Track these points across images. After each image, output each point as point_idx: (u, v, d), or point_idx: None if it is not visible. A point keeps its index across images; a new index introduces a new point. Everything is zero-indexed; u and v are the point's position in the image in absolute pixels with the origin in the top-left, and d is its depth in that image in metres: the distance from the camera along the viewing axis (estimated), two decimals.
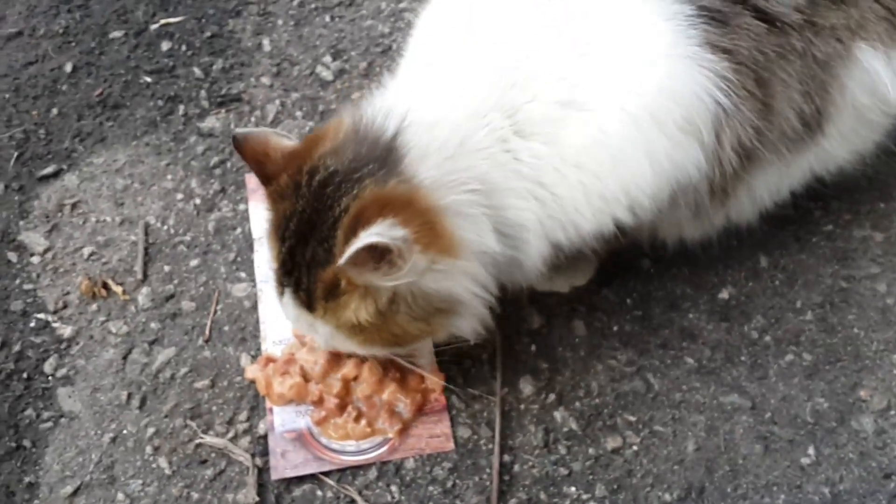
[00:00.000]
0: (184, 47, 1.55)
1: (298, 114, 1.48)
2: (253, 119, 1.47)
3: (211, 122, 1.47)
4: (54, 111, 1.48)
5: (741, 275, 1.33)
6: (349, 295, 1.01)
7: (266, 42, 1.57)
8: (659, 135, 1.04)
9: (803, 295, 1.31)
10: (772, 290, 1.32)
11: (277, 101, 1.50)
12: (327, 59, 1.55)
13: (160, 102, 1.49)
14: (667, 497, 1.15)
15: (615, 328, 1.29)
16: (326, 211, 0.99)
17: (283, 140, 1.08)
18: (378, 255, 0.95)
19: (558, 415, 1.22)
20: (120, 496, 1.15)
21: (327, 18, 1.61)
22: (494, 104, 1.02)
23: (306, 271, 1.02)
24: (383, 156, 1.00)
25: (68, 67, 1.52)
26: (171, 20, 1.58)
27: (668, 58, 1.04)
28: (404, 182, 0.99)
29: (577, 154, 1.03)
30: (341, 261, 0.95)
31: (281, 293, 1.07)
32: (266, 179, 1.06)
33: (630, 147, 1.03)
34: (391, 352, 1.14)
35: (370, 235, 0.93)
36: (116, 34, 1.56)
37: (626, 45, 1.04)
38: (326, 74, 1.53)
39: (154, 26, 1.57)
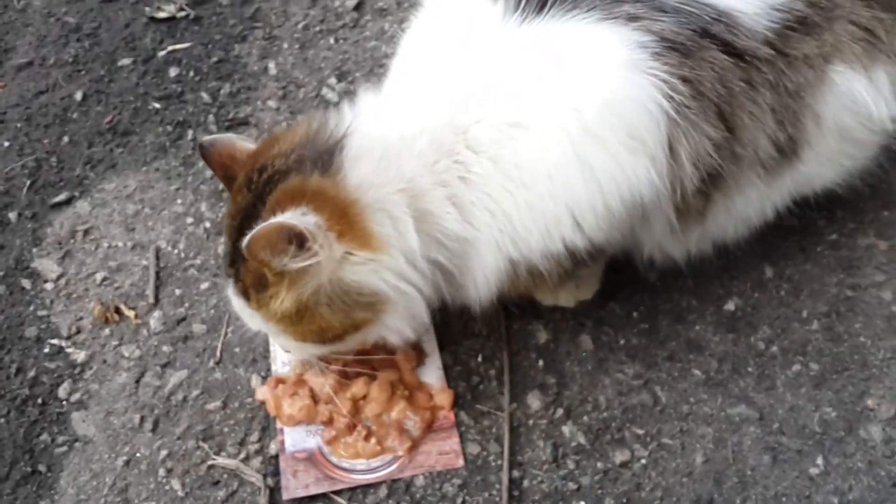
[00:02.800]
0: (191, 73, 1.58)
1: None
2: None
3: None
4: (65, 139, 1.50)
5: (747, 286, 1.34)
6: (275, 286, 1.05)
7: (272, 65, 1.59)
8: (600, 153, 1.03)
9: (809, 304, 1.31)
10: (777, 301, 1.32)
11: (284, 124, 1.52)
12: (332, 80, 1.57)
13: (169, 128, 1.51)
14: None
15: (622, 342, 1.30)
16: (261, 206, 1.04)
17: (248, 144, 1.14)
18: (296, 241, 0.99)
19: (566, 429, 1.22)
20: None
21: (331, 41, 1.63)
22: (447, 121, 1.05)
23: (241, 262, 1.06)
24: (321, 157, 1.05)
25: (78, 96, 1.55)
26: (179, 46, 1.61)
27: (616, 75, 1.04)
28: (325, 176, 1.03)
29: (521, 173, 1.04)
30: (244, 241, 0.98)
31: (227, 285, 1.12)
32: (232, 181, 1.10)
33: (569, 166, 1.03)
34: (327, 350, 1.16)
35: (279, 218, 0.98)
36: (125, 62, 1.59)
37: (578, 67, 1.05)
38: (332, 96, 1.55)
39: (162, 53, 1.60)
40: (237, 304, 1.11)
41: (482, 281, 1.11)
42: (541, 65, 1.05)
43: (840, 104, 1.14)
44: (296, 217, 0.99)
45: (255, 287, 1.07)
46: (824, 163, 1.21)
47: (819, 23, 1.11)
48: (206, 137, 1.13)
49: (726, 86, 1.07)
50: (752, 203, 1.20)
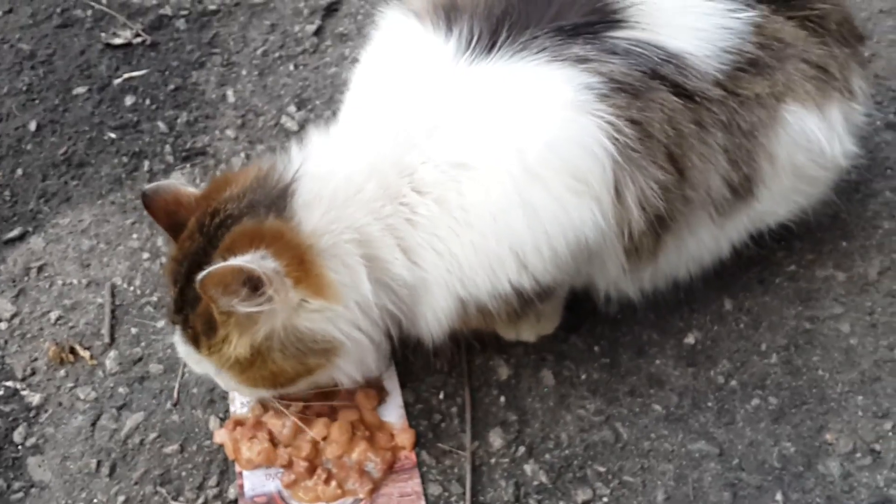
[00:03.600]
0: (148, 101, 1.55)
1: None
2: (218, 172, 1.47)
3: (176, 178, 1.47)
4: (19, 171, 1.47)
5: (706, 318, 1.34)
6: (226, 330, 1.04)
7: (230, 93, 1.57)
8: (543, 194, 1.03)
9: (768, 337, 1.32)
10: (737, 334, 1.33)
11: (242, 154, 1.50)
12: (292, 108, 1.55)
13: (125, 159, 1.49)
14: None
15: (583, 376, 1.30)
16: (212, 251, 1.02)
17: (190, 188, 1.12)
18: (249, 284, 0.98)
19: (528, 468, 1.22)
20: None
21: (291, 67, 1.62)
22: (393, 162, 1.05)
23: (191, 308, 1.05)
24: (274, 203, 1.04)
25: (32, 126, 1.52)
26: (135, 74, 1.58)
27: (560, 116, 1.03)
28: (280, 220, 1.03)
29: (466, 214, 1.04)
30: (200, 276, 0.97)
31: (173, 332, 1.11)
32: (178, 228, 1.09)
33: (512, 207, 1.03)
34: (276, 392, 1.16)
35: (238, 261, 0.97)
36: (80, 90, 1.56)
37: (523, 107, 1.04)
38: (291, 125, 1.53)
39: (118, 80, 1.57)
40: (184, 350, 1.11)
41: (433, 320, 1.11)
42: (487, 105, 1.05)
43: (793, 142, 1.15)
44: (255, 261, 0.98)
45: (205, 331, 1.06)
46: (778, 200, 1.22)
47: (770, 63, 1.11)
48: (148, 186, 1.11)
49: (675, 127, 1.07)
50: (704, 243, 1.21)
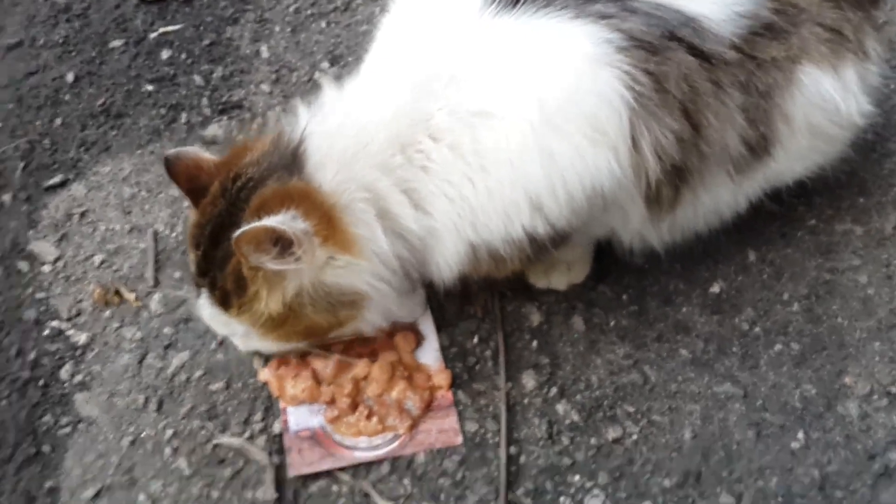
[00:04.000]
0: (183, 55, 1.58)
1: None
2: (255, 126, 1.51)
3: (213, 130, 1.50)
4: (58, 121, 1.50)
5: (731, 269, 1.39)
6: (255, 286, 1.08)
7: (264, 49, 1.61)
8: (560, 142, 1.06)
9: (790, 287, 1.37)
10: (760, 284, 1.38)
11: (278, 108, 1.53)
12: (325, 64, 1.59)
13: (163, 111, 1.52)
14: (666, 483, 1.21)
15: (612, 323, 1.34)
16: (237, 213, 1.06)
17: (211, 156, 1.15)
18: (281, 245, 1.02)
19: (560, 407, 1.27)
20: (141, 497, 1.19)
21: (323, 24, 1.65)
22: (409, 110, 1.08)
23: (219, 269, 1.09)
24: (288, 164, 1.08)
25: (70, 77, 1.55)
26: (170, 28, 1.61)
27: (579, 68, 1.06)
28: (303, 180, 1.06)
29: (481, 160, 1.07)
30: (237, 233, 1.01)
31: (197, 295, 1.14)
32: (199, 193, 1.12)
33: (530, 154, 1.06)
34: (308, 345, 1.21)
35: (272, 221, 1.01)
36: (116, 43, 1.59)
37: (543, 59, 1.07)
38: (341, 80, 1.57)
39: (153, 35, 1.60)
40: (210, 313, 1.14)
41: (444, 266, 1.15)
42: (508, 56, 1.08)
43: (809, 102, 1.18)
44: (286, 221, 1.02)
45: (235, 290, 1.10)
46: (795, 158, 1.26)
47: (785, 27, 1.15)
48: (170, 151, 1.14)
49: (691, 84, 1.10)
50: (722, 198, 1.25)
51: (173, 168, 1.14)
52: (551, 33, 1.08)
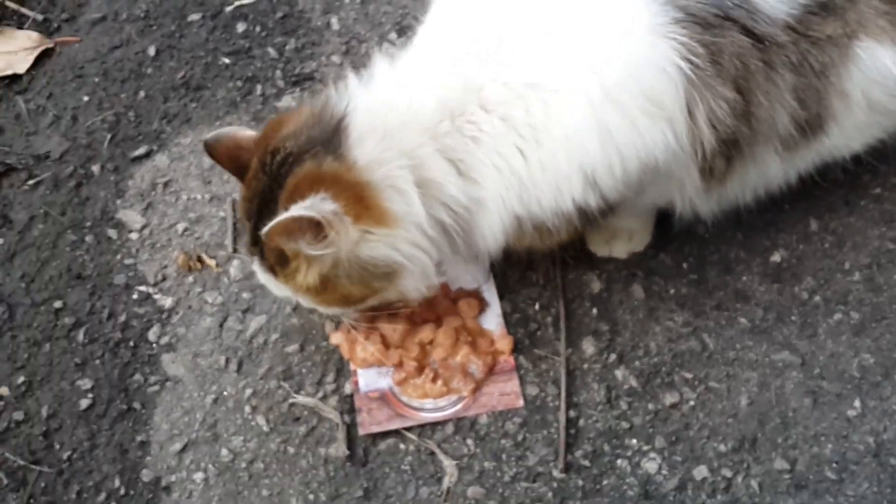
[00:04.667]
0: (258, 28, 1.64)
1: None
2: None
3: (287, 101, 1.56)
4: (141, 94, 1.58)
5: (792, 238, 1.40)
6: (296, 262, 1.13)
7: (334, 21, 1.65)
8: (617, 116, 1.07)
9: (851, 256, 1.38)
10: (821, 253, 1.39)
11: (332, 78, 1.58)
12: (393, 35, 1.63)
13: (239, 83, 1.58)
14: (721, 448, 1.25)
15: (672, 291, 1.37)
16: (278, 189, 1.10)
17: (249, 132, 1.18)
18: (314, 226, 1.06)
19: (619, 373, 1.31)
20: (224, 451, 1.28)
21: None
22: (460, 81, 1.09)
23: (263, 241, 1.12)
24: (329, 139, 1.09)
25: (151, 51, 1.62)
26: (245, 2, 1.67)
27: (636, 38, 1.07)
28: (338, 160, 1.08)
29: (534, 132, 1.08)
30: (264, 230, 1.05)
31: (251, 261, 1.20)
32: (243, 170, 1.16)
33: (586, 128, 1.07)
34: (350, 311, 1.25)
35: (298, 209, 1.04)
36: (194, 17, 1.65)
37: (598, 28, 1.08)
38: (393, 51, 1.61)
39: (229, 8, 1.66)
40: (264, 277, 1.20)
41: (489, 236, 1.17)
42: (563, 27, 1.09)
43: (867, 78, 1.17)
44: (314, 206, 1.05)
45: (278, 263, 1.15)
46: (852, 135, 1.25)
47: (841, 4, 1.14)
48: (209, 135, 1.19)
49: (743, 62, 1.10)
50: (771, 172, 1.25)
51: (214, 151, 1.18)
52: (608, 4, 1.09)
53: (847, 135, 1.24)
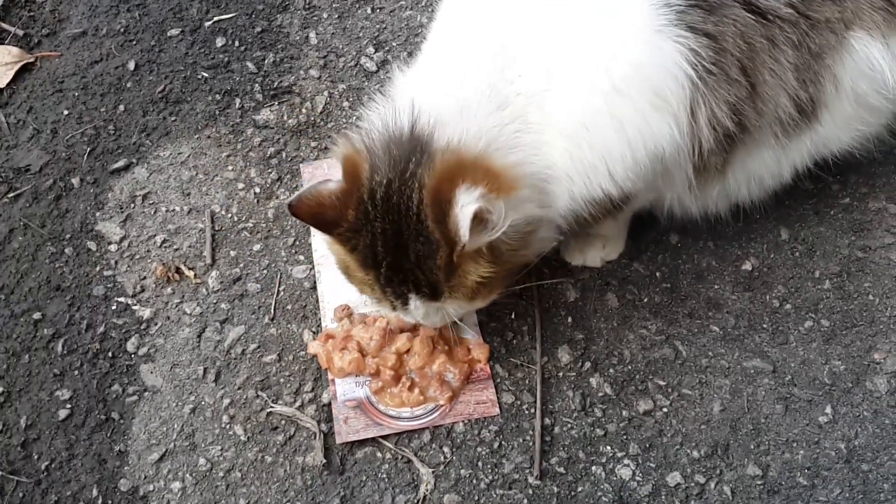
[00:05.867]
0: (237, 42, 1.66)
1: (346, 104, 1.59)
2: (304, 110, 1.58)
3: (266, 115, 1.58)
4: (121, 107, 1.59)
5: (763, 247, 1.43)
6: (463, 265, 1.11)
7: (313, 35, 1.67)
8: (628, 108, 1.11)
9: (822, 265, 1.40)
10: (792, 261, 1.41)
11: (326, 93, 1.60)
12: (370, 50, 1.65)
13: (218, 96, 1.60)
14: (695, 454, 1.27)
15: (645, 300, 1.39)
16: (404, 217, 1.09)
17: (329, 185, 1.14)
18: (476, 217, 1.05)
19: (594, 381, 1.33)
20: (202, 461, 1.28)
21: (368, 10, 1.70)
22: (494, 75, 1.12)
23: (420, 271, 1.11)
24: (413, 147, 1.09)
25: (131, 65, 1.63)
26: (224, 17, 1.69)
27: (642, 35, 1.11)
28: (445, 152, 1.08)
29: (562, 124, 1.12)
30: (464, 240, 1.04)
31: (404, 303, 1.16)
32: (331, 225, 1.14)
33: (603, 120, 1.11)
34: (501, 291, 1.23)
35: (466, 205, 1.03)
36: (174, 32, 1.67)
37: (606, 22, 1.12)
38: (370, 65, 1.63)
39: (208, 23, 1.68)
40: (425, 310, 1.17)
41: (561, 202, 1.18)
42: (572, 18, 1.12)
43: (857, 70, 1.21)
44: (470, 196, 1.04)
45: (446, 278, 1.12)
46: (841, 126, 1.28)
47: None
48: (290, 198, 1.13)
49: (748, 41, 1.14)
50: (767, 164, 1.28)
51: (297, 212, 1.13)
52: (613, 5, 1.12)
53: (837, 126, 1.26)
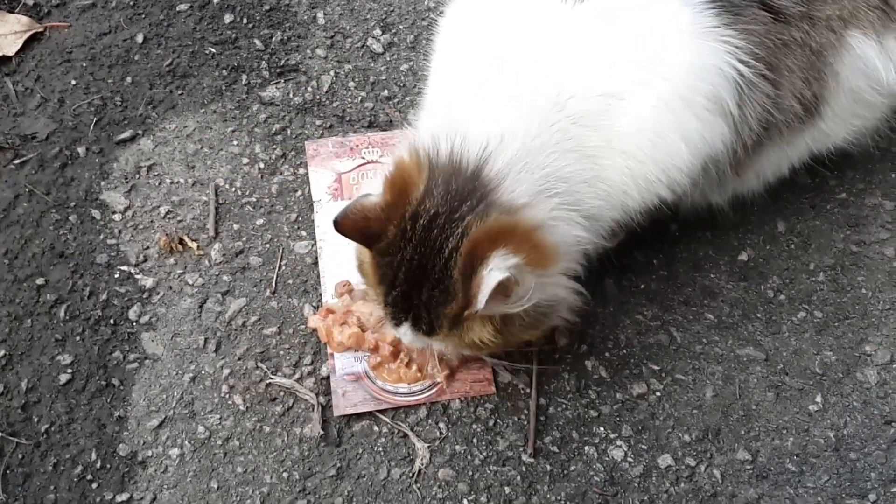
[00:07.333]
0: (245, 20, 1.67)
1: (351, 84, 1.60)
2: (310, 89, 1.59)
3: (272, 92, 1.59)
4: (128, 79, 1.60)
5: (760, 238, 1.45)
6: (470, 323, 1.10)
7: (320, 15, 1.68)
8: (690, 115, 1.13)
9: (816, 258, 1.43)
10: (787, 253, 1.44)
11: (332, 73, 1.61)
12: (377, 31, 1.66)
13: (224, 72, 1.61)
14: (686, 437, 1.29)
15: (642, 286, 1.41)
16: (435, 254, 1.07)
17: (372, 198, 1.11)
18: (500, 287, 1.03)
19: (589, 364, 1.35)
20: (200, 429, 1.30)
21: None
22: (546, 104, 1.10)
23: (425, 310, 1.10)
24: (473, 188, 1.07)
25: (139, 38, 1.64)
26: None
27: (690, 38, 1.13)
28: (504, 212, 1.06)
29: (621, 141, 1.11)
30: (479, 307, 1.03)
31: (397, 325, 1.15)
32: (373, 239, 1.11)
33: (666, 131, 1.12)
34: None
35: (494, 272, 1.01)
36: (182, 7, 1.68)
37: (651, 31, 1.12)
38: (377, 47, 1.64)
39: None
40: (413, 338, 1.16)
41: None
42: (613, 31, 1.12)
43: (855, 67, 1.24)
44: (503, 264, 1.02)
45: (449, 327, 1.11)
46: (839, 122, 1.31)
47: None
48: (336, 215, 1.11)
49: (769, 39, 1.16)
50: (771, 160, 1.31)
51: (344, 228, 1.11)
52: (646, 8, 1.13)
53: (836, 121, 1.29)
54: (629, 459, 1.28)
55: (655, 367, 1.34)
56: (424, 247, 1.07)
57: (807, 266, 1.42)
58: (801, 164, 1.38)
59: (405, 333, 1.16)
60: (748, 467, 1.27)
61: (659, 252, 1.44)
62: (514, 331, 1.12)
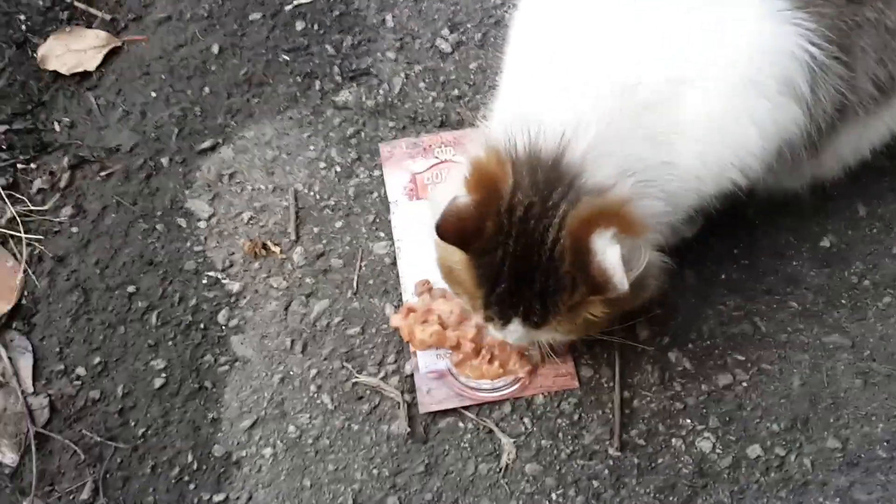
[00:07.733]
0: (316, 26, 1.70)
1: (422, 85, 1.62)
2: (381, 92, 1.61)
3: (344, 96, 1.62)
4: (206, 90, 1.64)
5: (841, 224, 1.43)
6: (586, 305, 1.09)
7: (389, 18, 1.70)
8: (760, 99, 1.12)
9: None
10: (870, 238, 1.42)
11: (402, 74, 1.63)
12: (445, 31, 1.68)
13: (298, 79, 1.64)
14: (775, 427, 1.28)
15: (723, 276, 1.41)
16: (538, 244, 1.07)
17: (462, 199, 1.08)
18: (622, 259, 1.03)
19: (672, 355, 1.35)
20: (291, 428, 1.33)
21: None
22: (617, 91, 1.10)
23: (539, 301, 1.09)
24: (559, 176, 1.07)
25: (215, 49, 1.68)
26: (303, 1, 1.72)
27: (760, 22, 1.11)
28: (595, 195, 1.06)
29: (691, 127, 1.11)
30: (624, 287, 1.02)
31: (504, 323, 1.13)
32: (471, 238, 1.09)
33: (737, 115, 1.11)
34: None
35: (609, 250, 1.02)
36: (255, 16, 1.72)
37: (720, 15, 1.12)
38: (445, 47, 1.66)
39: (288, 7, 1.72)
40: (521, 334, 1.15)
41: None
42: (686, 22, 1.12)
43: None
44: (609, 241, 1.03)
45: (567, 314, 1.10)
46: None
47: None
48: (438, 219, 1.09)
49: (840, 24, 1.15)
50: (850, 143, 1.29)
51: (445, 232, 1.09)
52: None
53: None
54: (717, 451, 1.28)
55: (740, 358, 1.34)
56: (525, 238, 1.07)
57: (890, 250, 1.40)
58: (882, 145, 1.36)
59: (514, 330, 1.14)
60: (838, 455, 1.26)
61: (739, 241, 1.43)
62: (623, 301, 1.10)
